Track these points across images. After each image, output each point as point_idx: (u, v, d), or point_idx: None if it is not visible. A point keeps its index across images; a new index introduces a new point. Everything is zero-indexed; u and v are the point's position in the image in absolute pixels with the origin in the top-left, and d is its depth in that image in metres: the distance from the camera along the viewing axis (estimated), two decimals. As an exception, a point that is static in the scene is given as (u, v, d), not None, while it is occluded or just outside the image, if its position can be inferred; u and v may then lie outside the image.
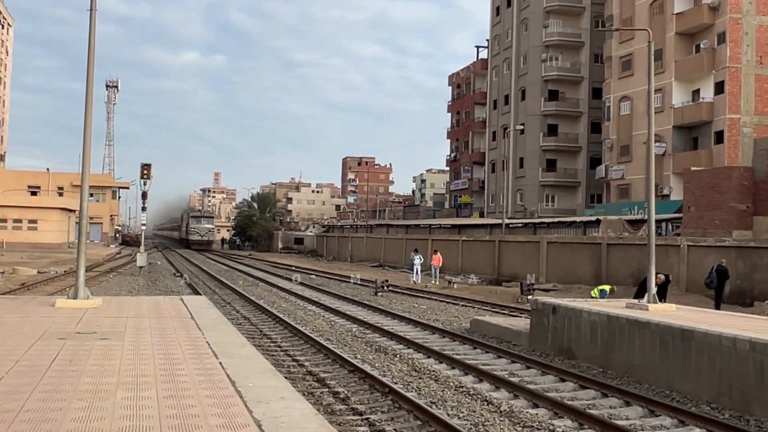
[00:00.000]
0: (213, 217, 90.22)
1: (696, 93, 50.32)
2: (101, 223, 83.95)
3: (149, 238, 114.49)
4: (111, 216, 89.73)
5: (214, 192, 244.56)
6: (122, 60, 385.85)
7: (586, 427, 9.48)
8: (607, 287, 21.27)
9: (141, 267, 37.28)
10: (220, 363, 7.51)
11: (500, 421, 9.60)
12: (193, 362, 7.51)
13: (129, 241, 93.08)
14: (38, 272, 35.10)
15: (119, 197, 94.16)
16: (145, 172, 36.14)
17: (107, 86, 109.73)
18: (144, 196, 38.67)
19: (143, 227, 42.88)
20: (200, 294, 24.23)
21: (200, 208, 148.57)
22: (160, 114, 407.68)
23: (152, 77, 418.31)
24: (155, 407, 5.57)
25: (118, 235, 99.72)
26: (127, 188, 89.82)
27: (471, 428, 9.16)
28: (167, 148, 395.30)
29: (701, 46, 49.67)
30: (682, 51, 51.07)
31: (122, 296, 21.29)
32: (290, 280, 36.23)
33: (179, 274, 37.87)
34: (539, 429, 9.22)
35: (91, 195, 76.37)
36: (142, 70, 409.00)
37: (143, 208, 40.25)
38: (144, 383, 6.42)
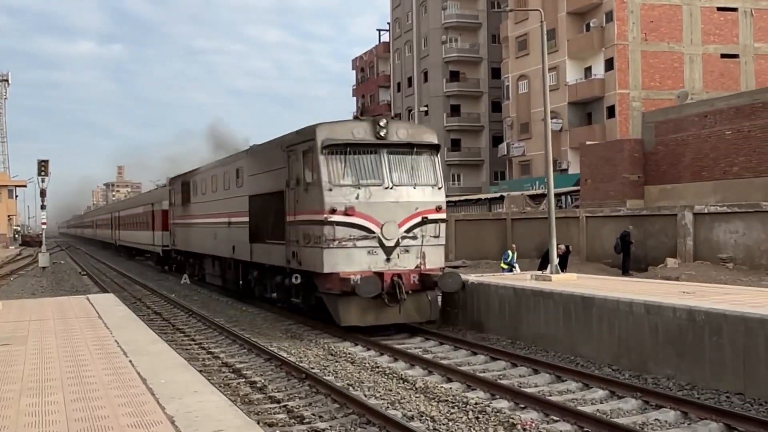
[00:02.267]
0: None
1: (588, 70, 52.37)
2: (-3, 224, 79.71)
3: (54, 237, 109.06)
4: (9, 216, 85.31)
5: (118, 186, 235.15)
6: (11, 51, 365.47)
7: (498, 397, 9.84)
8: (508, 250, 21.97)
9: (44, 267, 35.90)
10: (131, 361, 7.39)
11: (416, 397, 9.84)
12: (101, 362, 7.35)
13: (30, 241, 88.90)
14: (-72, 280, 33.07)
15: (16, 196, 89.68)
16: (43, 168, 34.70)
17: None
18: (43, 193, 37.29)
19: (44, 226, 41.31)
20: (108, 292, 23.49)
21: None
22: (57, 107, 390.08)
23: (46, 69, 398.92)
24: (62, 412, 5.45)
25: (17, 235, 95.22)
26: (25, 186, 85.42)
27: (388, 407, 9.35)
28: (66, 143, 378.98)
29: (591, 24, 51.64)
30: (574, 30, 52.94)
31: (24, 299, 20.39)
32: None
33: (85, 273, 36.52)
34: (453, 402, 9.49)
35: (-17, 195, 72.53)
36: (35, 61, 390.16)
37: (43, 207, 38.85)
38: (49, 388, 6.25)
